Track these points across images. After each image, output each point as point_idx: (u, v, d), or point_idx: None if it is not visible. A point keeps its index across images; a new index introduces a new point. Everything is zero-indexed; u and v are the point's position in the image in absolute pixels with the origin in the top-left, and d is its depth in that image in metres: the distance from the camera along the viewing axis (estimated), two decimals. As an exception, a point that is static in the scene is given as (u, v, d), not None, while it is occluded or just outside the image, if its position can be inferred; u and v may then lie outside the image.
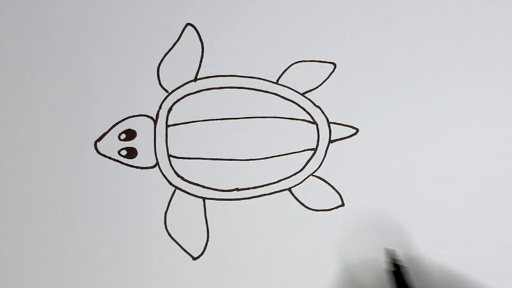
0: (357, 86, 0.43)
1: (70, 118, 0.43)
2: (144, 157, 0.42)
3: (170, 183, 0.42)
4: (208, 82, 0.43)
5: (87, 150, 0.42)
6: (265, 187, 0.41)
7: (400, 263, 0.38)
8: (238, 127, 0.42)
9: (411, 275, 0.39)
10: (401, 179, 0.41)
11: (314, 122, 0.43)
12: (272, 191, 0.42)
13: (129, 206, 0.41)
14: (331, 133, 0.42)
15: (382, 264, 0.40)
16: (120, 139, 0.42)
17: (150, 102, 0.43)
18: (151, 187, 0.42)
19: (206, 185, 0.42)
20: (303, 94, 0.43)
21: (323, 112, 0.43)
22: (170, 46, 0.44)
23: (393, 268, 0.38)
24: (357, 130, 0.42)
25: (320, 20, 0.44)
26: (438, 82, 0.43)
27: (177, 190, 0.42)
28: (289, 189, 0.42)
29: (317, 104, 0.43)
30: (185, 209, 0.41)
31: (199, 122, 0.43)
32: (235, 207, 0.42)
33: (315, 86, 0.43)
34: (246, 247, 0.41)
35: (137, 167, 0.42)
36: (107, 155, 0.42)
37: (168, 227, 0.41)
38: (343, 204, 0.41)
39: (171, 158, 0.42)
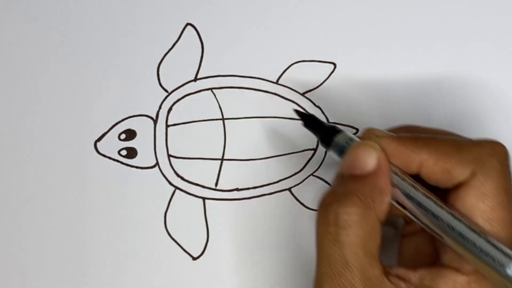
0: (357, 86, 0.43)
1: (70, 118, 0.43)
2: (144, 157, 0.42)
3: (170, 183, 0.42)
4: (208, 82, 0.43)
5: (87, 150, 0.42)
6: (265, 187, 0.42)
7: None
8: (238, 127, 0.42)
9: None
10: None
11: (314, 122, 0.43)
12: (272, 191, 0.42)
13: (129, 206, 0.41)
14: (331, 133, 0.42)
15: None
16: (120, 139, 0.42)
17: (150, 102, 0.43)
18: (151, 187, 0.41)
19: (206, 185, 0.42)
20: (303, 94, 0.43)
21: (323, 112, 0.43)
22: (170, 46, 0.44)
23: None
24: (357, 130, 0.42)
25: (320, 20, 0.44)
26: (439, 82, 0.43)
27: (177, 190, 0.42)
28: (289, 189, 0.42)
29: (317, 104, 0.43)
30: (185, 209, 0.41)
31: (199, 122, 0.43)
32: (235, 207, 0.42)
33: (315, 86, 0.43)
34: (246, 247, 0.41)
35: (137, 167, 0.42)
36: (107, 155, 0.42)
37: (168, 227, 0.41)
38: (343, 204, 0.41)
39: (171, 158, 0.42)
